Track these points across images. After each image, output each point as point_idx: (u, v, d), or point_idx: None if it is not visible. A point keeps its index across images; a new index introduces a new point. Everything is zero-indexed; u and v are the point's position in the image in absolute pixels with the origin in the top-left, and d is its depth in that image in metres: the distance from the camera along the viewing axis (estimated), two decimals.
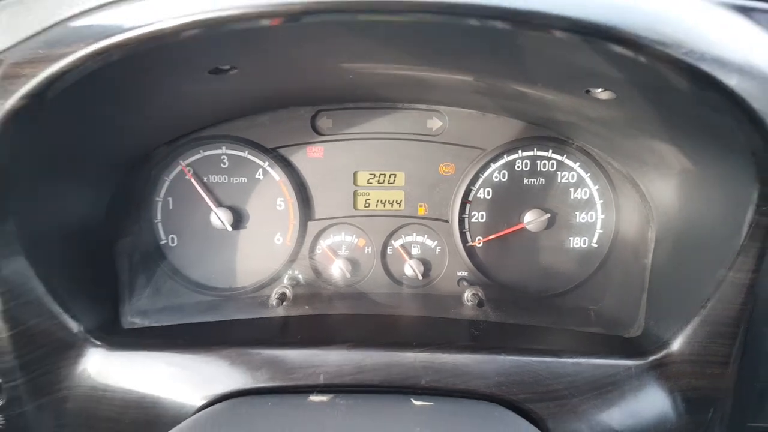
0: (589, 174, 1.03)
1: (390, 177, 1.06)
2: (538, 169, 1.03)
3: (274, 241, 1.05)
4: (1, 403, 0.78)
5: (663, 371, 0.77)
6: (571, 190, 1.03)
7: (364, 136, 1.06)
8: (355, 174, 1.06)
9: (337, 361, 0.78)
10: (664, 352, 0.78)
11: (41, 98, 0.63)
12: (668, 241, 0.87)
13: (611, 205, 1.02)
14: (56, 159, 0.79)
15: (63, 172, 0.82)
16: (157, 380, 0.78)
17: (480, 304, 0.95)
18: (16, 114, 0.63)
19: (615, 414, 0.75)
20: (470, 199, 1.04)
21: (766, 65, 0.59)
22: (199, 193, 1.02)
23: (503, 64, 0.69)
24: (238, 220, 1.04)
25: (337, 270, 1.04)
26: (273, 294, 0.95)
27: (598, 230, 1.03)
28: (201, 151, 1.04)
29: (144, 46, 0.54)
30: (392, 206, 1.06)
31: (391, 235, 1.06)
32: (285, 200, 1.05)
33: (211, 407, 0.70)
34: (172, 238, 1.06)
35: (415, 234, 1.07)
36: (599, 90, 0.69)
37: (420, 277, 1.05)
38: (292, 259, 1.05)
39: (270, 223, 1.05)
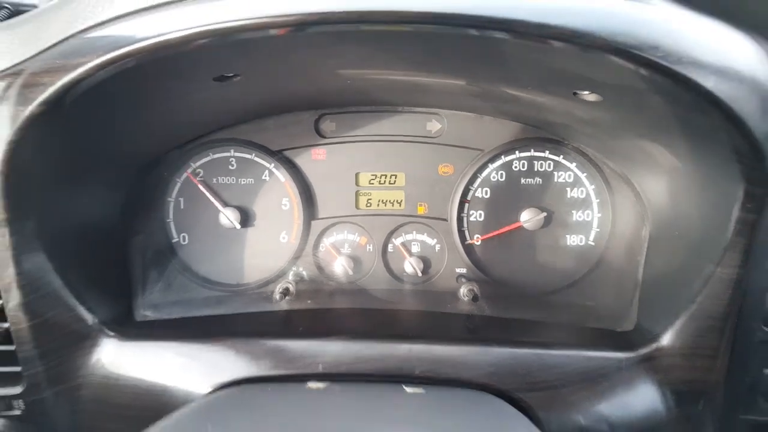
0: (585, 174, 1.05)
1: (391, 177, 1.10)
2: (535, 170, 1.06)
3: (279, 239, 1.09)
4: (21, 390, 0.84)
5: (653, 364, 0.80)
6: (568, 189, 1.06)
7: (366, 139, 1.09)
8: (357, 175, 1.10)
9: (335, 351, 0.81)
10: (654, 346, 0.80)
11: (58, 105, 0.68)
12: (661, 238, 0.89)
13: (607, 205, 1.04)
14: (74, 162, 0.84)
15: (80, 174, 0.88)
16: (166, 369, 0.83)
17: (474, 298, 0.98)
18: (35, 119, 0.68)
19: (605, 405, 0.77)
20: (469, 198, 1.07)
21: (742, 67, 0.61)
22: (210, 193, 1.07)
23: (492, 69, 0.72)
24: (246, 219, 1.09)
25: (340, 267, 1.08)
26: (277, 289, 1.00)
27: (595, 229, 1.06)
28: (210, 154, 1.09)
29: (151, 56, 0.59)
30: (393, 206, 1.10)
31: (392, 233, 1.10)
32: (290, 200, 1.09)
33: (213, 393, 0.74)
34: (184, 237, 1.11)
35: (415, 232, 1.10)
36: (586, 92, 0.72)
37: (420, 274, 1.08)
38: (297, 257, 1.09)
39: (276, 222, 1.09)
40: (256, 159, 1.09)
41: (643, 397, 0.79)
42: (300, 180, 1.09)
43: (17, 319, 0.80)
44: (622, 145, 0.90)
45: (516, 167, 1.06)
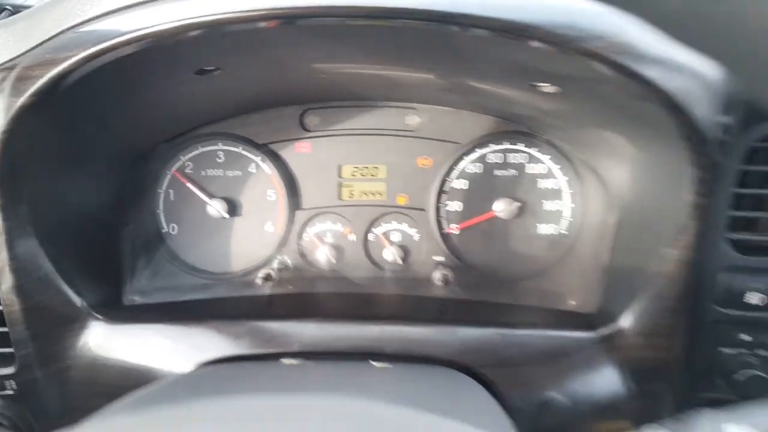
0: (558, 166, 1.09)
1: (372, 170, 1.14)
2: (509, 162, 1.10)
3: (265, 229, 1.14)
4: (13, 371, 0.88)
5: (613, 344, 0.84)
6: (541, 180, 1.10)
7: (349, 133, 1.14)
8: (340, 167, 1.14)
9: (311, 331, 0.86)
10: (613, 326, 0.84)
11: (48, 95, 0.72)
12: (625, 225, 0.93)
13: (578, 195, 1.08)
14: (65, 153, 0.89)
15: (72, 164, 0.92)
16: (151, 350, 0.87)
17: (446, 282, 1.03)
18: (27, 110, 0.73)
19: (566, 381, 0.81)
20: (446, 189, 1.12)
21: (682, 56, 0.65)
22: (197, 186, 1.11)
23: (454, 62, 0.77)
24: (233, 209, 1.13)
25: (323, 255, 1.12)
26: (259, 274, 1.04)
27: (568, 218, 1.10)
28: (199, 147, 1.14)
29: (131, 49, 0.63)
30: (374, 197, 1.14)
31: (373, 223, 1.14)
32: (275, 191, 1.13)
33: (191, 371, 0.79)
34: (173, 227, 1.15)
35: (395, 222, 1.14)
36: (544, 84, 0.76)
37: (399, 262, 1.12)
38: (282, 245, 1.13)
39: (261, 212, 1.14)
40: (243, 152, 1.13)
41: (604, 375, 0.83)
42: (285, 172, 1.13)
43: (10, 301, 0.84)
44: (587, 136, 0.94)
45: (491, 159, 1.11)
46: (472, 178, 1.12)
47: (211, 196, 1.12)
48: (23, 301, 0.85)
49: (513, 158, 1.10)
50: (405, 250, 1.14)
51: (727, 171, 0.78)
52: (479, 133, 1.10)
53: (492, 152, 1.10)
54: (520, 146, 1.10)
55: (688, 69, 0.64)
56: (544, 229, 1.10)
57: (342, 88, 1.07)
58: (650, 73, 0.62)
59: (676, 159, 0.75)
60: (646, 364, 0.83)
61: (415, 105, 1.11)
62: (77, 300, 0.89)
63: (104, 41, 0.64)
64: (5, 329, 0.86)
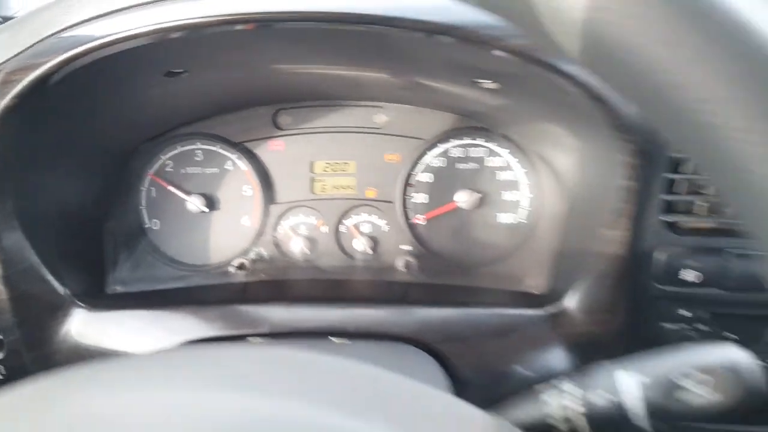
0: (517, 159, 1.16)
1: (343, 165, 1.21)
2: (471, 156, 1.17)
3: (241, 223, 1.20)
4: (2, 357, 0.94)
5: (558, 321, 0.90)
6: (500, 173, 1.16)
7: (320, 130, 1.21)
8: (312, 163, 1.21)
9: (281, 314, 0.92)
10: (559, 304, 0.91)
11: (29, 97, 0.79)
12: (574, 210, 1.00)
13: (535, 185, 1.15)
14: (49, 151, 0.95)
15: (56, 162, 0.98)
16: (130, 334, 0.93)
17: (409, 267, 1.09)
18: (10, 110, 0.79)
19: (513, 355, 0.88)
20: (412, 182, 1.18)
21: None
22: (177, 184, 1.18)
23: (398, 62, 0.83)
24: (211, 205, 1.20)
25: (297, 246, 1.19)
26: (233, 263, 1.11)
27: (526, 207, 1.16)
28: (178, 147, 1.20)
29: (100, 53, 0.70)
30: (345, 190, 1.21)
31: (344, 215, 1.20)
32: (251, 187, 1.20)
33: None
34: (155, 222, 1.21)
35: (365, 214, 1.21)
36: (484, 81, 0.83)
37: (369, 251, 1.19)
38: (257, 238, 1.20)
39: (238, 207, 1.20)
40: (220, 150, 1.20)
41: (551, 350, 0.89)
42: (260, 169, 1.20)
43: None
44: (536, 129, 1.01)
45: (453, 154, 1.17)
46: (436, 171, 1.18)
47: (189, 192, 1.19)
48: (10, 291, 0.91)
49: (474, 152, 1.17)
50: (375, 240, 1.20)
51: (659, 157, 0.85)
52: (442, 130, 1.16)
53: (454, 147, 1.17)
54: (480, 141, 1.16)
55: None
56: (504, 218, 1.17)
57: (312, 89, 1.13)
58: (570, 67, 0.69)
59: (609, 147, 0.82)
60: (590, 339, 0.89)
61: (381, 104, 1.18)
62: (61, 289, 0.95)
63: (77, 47, 0.71)
64: None
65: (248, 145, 1.20)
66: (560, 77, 0.69)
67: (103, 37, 0.69)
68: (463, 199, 1.15)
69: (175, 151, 1.20)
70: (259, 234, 1.20)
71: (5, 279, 0.90)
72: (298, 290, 1.08)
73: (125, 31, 0.68)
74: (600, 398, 0.52)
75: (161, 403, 0.34)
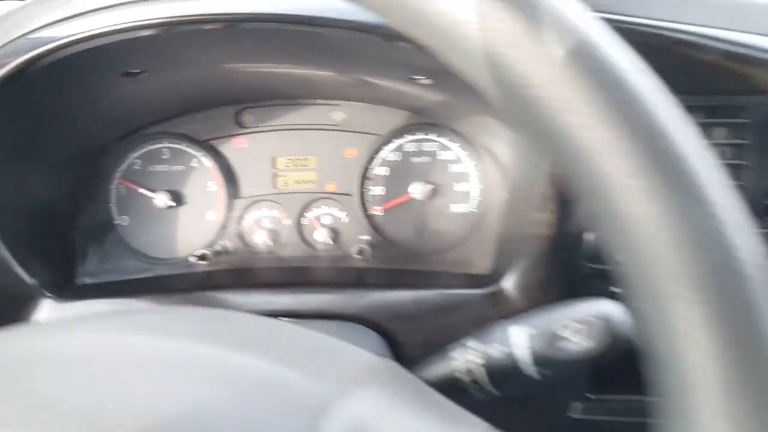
0: (467, 153, 1.23)
1: (304, 161, 1.27)
2: (424, 150, 1.24)
3: (207, 218, 1.26)
4: None
5: (497, 299, 0.97)
6: (451, 165, 1.24)
7: (282, 128, 1.27)
8: (274, 159, 1.27)
9: (240, 299, 0.98)
10: (498, 284, 0.98)
11: None
12: (513, 197, 1.07)
13: (484, 176, 1.22)
14: (18, 147, 1.00)
15: (26, 159, 1.03)
16: None
17: (362, 254, 1.16)
18: None
19: (456, 331, 0.94)
20: (369, 176, 1.25)
21: None
22: (144, 182, 1.24)
23: (337, 59, 0.90)
24: (177, 201, 1.25)
25: (260, 238, 1.25)
26: (195, 253, 1.17)
27: (476, 197, 1.24)
28: (147, 146, 1.26)
29: (57, 55, 0.76)
30: (306, 185, 1.27)
31: (306, 208, 1.27)
32: (216, 183, 1.26)
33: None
34: (124, 219, 1.27)
35: (325, 207, 1.27)
36: (419, 77, 0.90)
37: (330, 242, 1.25)
38: (222, 231, 1.25)
39: (203, 202, 1.26)
40: (186, 149, 1.26)
41: (489, 326, 0.96)
42: (224, 165, 1.26)
43: None
44: (478, 122, 1.08)
45: (408, 148, 1.24)
46: (392, 165, 1.25)
47: (156, 189, 1.24)
48: None
49: (427, 147, 1.24)
50: (335, 231, 1.27)
51: None
52: (396, 126, 1.23)
53: (408, 142, 1.24)
54: (432, 136, 1.24)
55: None
56: (456, 208, 1.24)
57: (272, 89, 1.20)
58: None
59: None
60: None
61: (339, 102, 1.25)
62: (29, 280, 1.00)
63: (37, 48, 0.77)
64: None
65: (213, 143, 1.26)
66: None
67: (57, 40, 0.75)
68: (416, 190, 1.22)
69: (143, 150, 1.26)
70: (224, 227, 1.25)
71: None
72: (259, 277, 1.14)
73: (79, 33, 0.74)
74: (496, 350, 0.59)
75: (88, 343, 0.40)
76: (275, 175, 1.27)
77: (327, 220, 1.27)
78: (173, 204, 1.24)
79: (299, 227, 1.27)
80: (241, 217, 1.27)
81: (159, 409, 0.32)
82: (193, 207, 1.26)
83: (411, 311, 0.95)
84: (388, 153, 1.25)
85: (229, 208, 1.26)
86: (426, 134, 1.24)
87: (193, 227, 1.26)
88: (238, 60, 0.96)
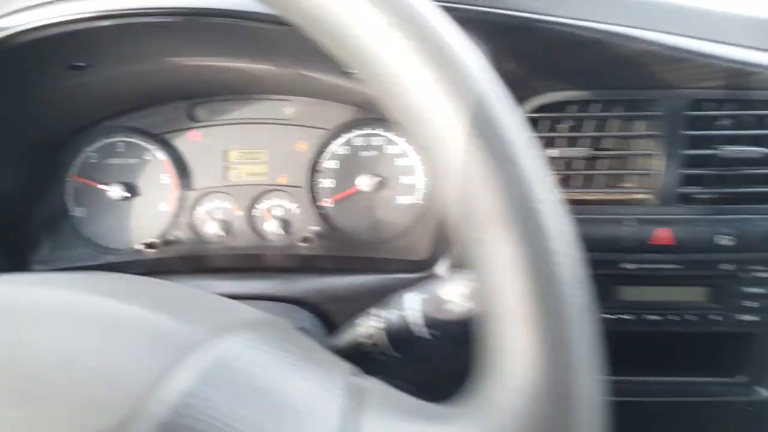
0: (412, 147, 1.28)
1: (256, 154, 1.31)
2: (372, 144, 1.29)
3: (159, 209, 1.30)
4: None
5: (428, 282, 1.03)
6: (398, 159, 1.29)
7: (234, 122, 1.31)
8: (226, 152, 1.31)
9: (184, 283, 1.02)
10: (430, 269, 1.03)
11: None
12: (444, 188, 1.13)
13: (429, 169, 1.27)
14: None
15: None
16: None
17: (309, 242, 1.21)
18: None
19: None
20: (319, 169, 1.30)
21: None
22: (99, 175, 1.27)
23: (272, 54, 0.95)
24: (131, 193, 1.29)
25: (212, 229, 1.28)
26: (142, 241, 1.20)
27: (422, 189, 1.29)
28: (102, 139, 1.29)
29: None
30: (258, 177, 1.31)
31: (257, 199, 1.31)
32: (169, 175, 1.30)
33: None
34: (80, 210, 1.30)
35: (276, 199, 1.31)
36: (352, 71, 0.95)
37: (281, 232, 1.29)
38: (174, 222, 1.29)
39: (157, 194, 1.29)
40: (140, 142, 1.29)
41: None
42: (177, 158, 1.29)
43: None
44: None
45: (356, 143, 1.29)
46: (341, 158, 1.30)
47: (111, 182, 1.28)
48: None
49: (375, 141, 1.29)
50: (286, 222, 1.31)
51: None
52: (344, 120, 1.28)
53: (356, 137, 1.29)
54: (379, 131, 1.29)
55: None
56: (402, 199, 1.29)
57: (223, 83, 1.24)
58: None
59: None
60: None
61: (289, 97, 1.30)
62: None
63: None
64: None
65: (166, 136, 1.30)
66: None
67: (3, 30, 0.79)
68: (364, 183, 1.27)
69: (99, 144, 1.29)
70: (176, 218, 1.29)
71: None
72: (208, 263, 1.18)
73: (20, 26, 0.78)
74: (393, 315, 0.64)
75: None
76: (227, 168, 1.31)
77: (278, 212, 1.32)
78: (127, 195, 1.27)
79: (250, 218, 1.31)
80: (193, 208, 1.31)
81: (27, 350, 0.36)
82: (147, 198, 1.29)
83: (347, 294, 1.00)
84: (337, 147, 1.30)
85: (182, 199, 1.29)
86: (373, 129, 1.29)
87: (146, 218, 1.29)
88: (179, 54, 1.00)
